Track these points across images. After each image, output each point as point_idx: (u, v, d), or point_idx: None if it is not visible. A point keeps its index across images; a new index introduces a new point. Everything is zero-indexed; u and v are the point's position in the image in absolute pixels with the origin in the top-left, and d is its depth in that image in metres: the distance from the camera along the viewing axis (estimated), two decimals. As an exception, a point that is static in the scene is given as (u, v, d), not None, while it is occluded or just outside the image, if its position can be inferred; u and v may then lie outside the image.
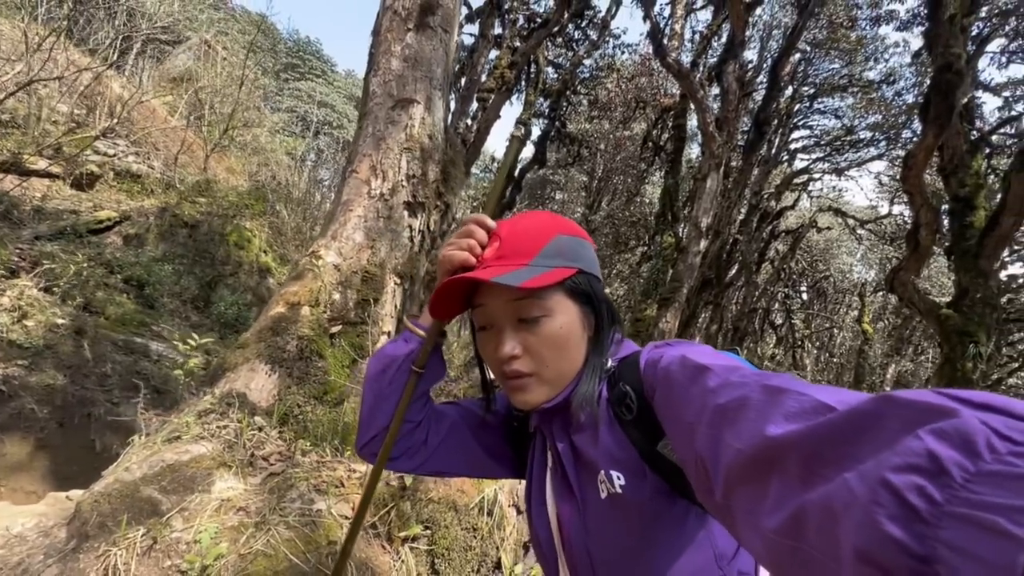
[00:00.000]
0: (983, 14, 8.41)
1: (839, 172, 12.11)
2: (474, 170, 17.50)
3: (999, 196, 7.13)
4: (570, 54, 12.53)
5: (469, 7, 9.88)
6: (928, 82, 8.08)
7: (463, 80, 11.39)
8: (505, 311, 0.67)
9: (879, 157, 11.61)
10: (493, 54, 10.56)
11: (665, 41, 9.25)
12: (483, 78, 10.44)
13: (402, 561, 1.57)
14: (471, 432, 0.85)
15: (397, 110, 2.37)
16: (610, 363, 0.70)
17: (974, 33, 8.23)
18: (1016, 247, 11.34)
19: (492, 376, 0.78)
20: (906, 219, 12.80)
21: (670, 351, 0.62)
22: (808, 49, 11.37)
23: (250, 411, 1.90)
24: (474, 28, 10.41)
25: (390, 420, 0.79)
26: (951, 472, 0.24)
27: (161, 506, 1.47)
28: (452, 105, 9.94)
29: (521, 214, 0.73)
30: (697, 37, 12.11)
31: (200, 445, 1.67)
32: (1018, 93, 9.95)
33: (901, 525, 0.25)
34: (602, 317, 0.70)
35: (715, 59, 10.35)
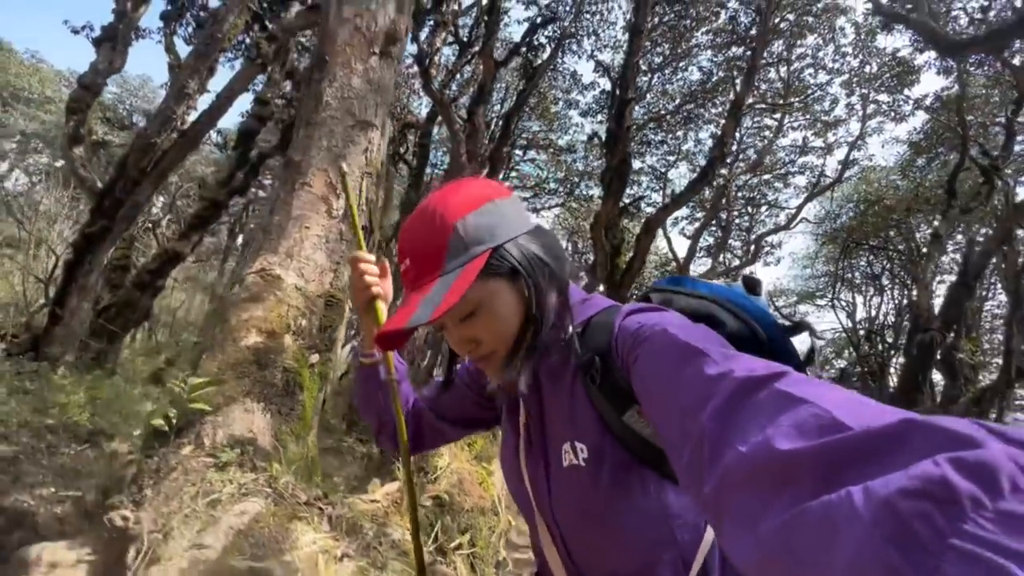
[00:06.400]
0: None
1: (536, 211, 15.62)
2: (206, 146, 14.04)
3: (633, 250, 10.84)
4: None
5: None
6: (601, 161, 11.45)
7: (195, 31, 9.46)
8: (444, 317, 0.66)
9: (561, 204, 15.57)
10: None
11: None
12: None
13: (455, 570, 1.69)
14: (440, 417, 0.93)
15: (357, 131, 2.19)
16: (571, 329, 0.67)
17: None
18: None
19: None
20: (573, 252, 17.41)
21: (648, 320, 0.60)
22: (526, 110, 14.19)
23: (264, 457, 1.52)
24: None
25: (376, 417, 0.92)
26: (963, 504, 0.23)
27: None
28: (186, 59, 8.17)
29: (420, 206, 0.69)
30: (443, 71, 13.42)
31: (251, 502, 1.31)
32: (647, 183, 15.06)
33: (900, 550, 0.24)
34: (538, 285, 0.66)
35: (453, 92, 11.80)
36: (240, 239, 18.74)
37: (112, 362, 8.35)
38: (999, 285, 14.08)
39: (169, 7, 9.35)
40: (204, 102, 7.87)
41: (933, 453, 0.26)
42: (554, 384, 0.69)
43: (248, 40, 9.28)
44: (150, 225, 13.10)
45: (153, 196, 8.84)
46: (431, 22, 10.39)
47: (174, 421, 1.49)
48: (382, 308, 0.86)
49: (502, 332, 0.66)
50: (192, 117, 7.70)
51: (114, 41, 7.93)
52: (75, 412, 4.91)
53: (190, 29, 10.95)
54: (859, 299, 18.76)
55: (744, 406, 0.40)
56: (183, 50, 9.01)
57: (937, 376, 10.79)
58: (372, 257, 0.84)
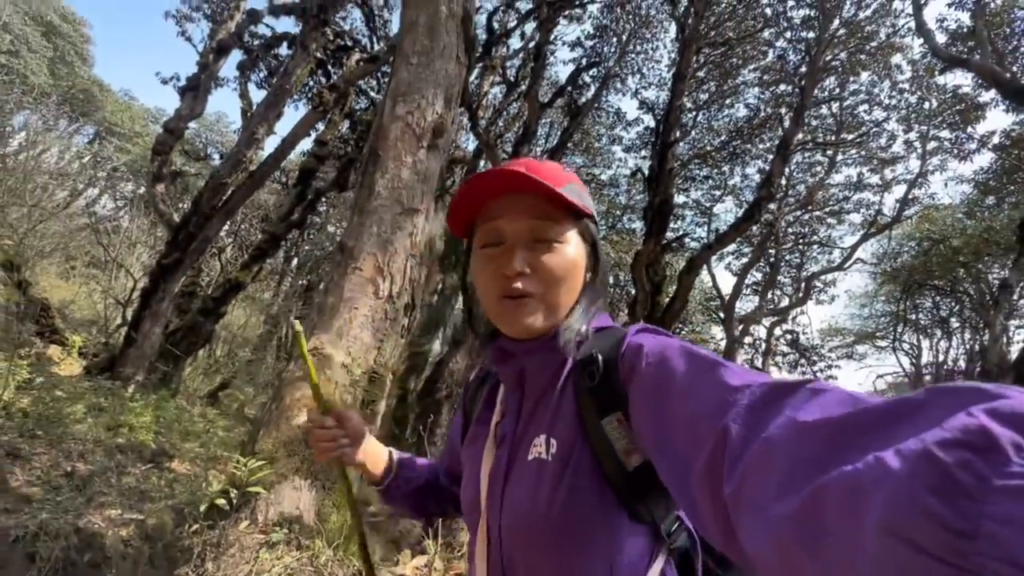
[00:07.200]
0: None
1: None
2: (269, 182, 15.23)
3: (674, 287, 10.72)
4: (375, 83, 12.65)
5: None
6: (644, 195, 11.47)
7: (266, 78, 10.34)
8: (521, 229, 0.66)
9: (603, 238, 15.58)
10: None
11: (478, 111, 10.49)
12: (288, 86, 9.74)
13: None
14: (450, 483, 0.92)
15: (404, 217, 2.45)
16: (584, 328, 0.67)
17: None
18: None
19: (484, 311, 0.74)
20: (614, 285, 17.33)
21: (658, 339, 0.61)
22: (570, 145, 14.45)
23: (308, 534, 1.72)
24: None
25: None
26: (1006, 450, 0.23)
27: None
28: (257, 107, 8.92)
29: None
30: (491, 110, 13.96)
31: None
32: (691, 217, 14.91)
33: (942, 499, 0.23)
34: (602, 268, 0.71)
35: (500, 129, 12.21)
36: (295, 262, 19.86)
37: (176, 383, 9.00)
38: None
39: (244, 57, 10.29)
40: (271, 142, 8.60)
41: (964, 407, 0.26)
42: (546, 384, 0.68)
43: (312, 83, 10.03)
44: (216, 251, 14.12)
45: (221, 229, 9.60)
46: (480, 66, 10.88)
47: (234, 501, 1.70)
48: (354, 460, 0.85)
49: (558, 277, 0.66)
50: (260, 156, 8.40)
51: (196, 90, 8.79)
52: (142, 433, 5.34)
53: (262, 75, 11.95)
54: (925, 342, 17.54)
55: (772, 410, 0.39)
56: (255, 93, 9.85)
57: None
58: (330, 421, 0.83)
